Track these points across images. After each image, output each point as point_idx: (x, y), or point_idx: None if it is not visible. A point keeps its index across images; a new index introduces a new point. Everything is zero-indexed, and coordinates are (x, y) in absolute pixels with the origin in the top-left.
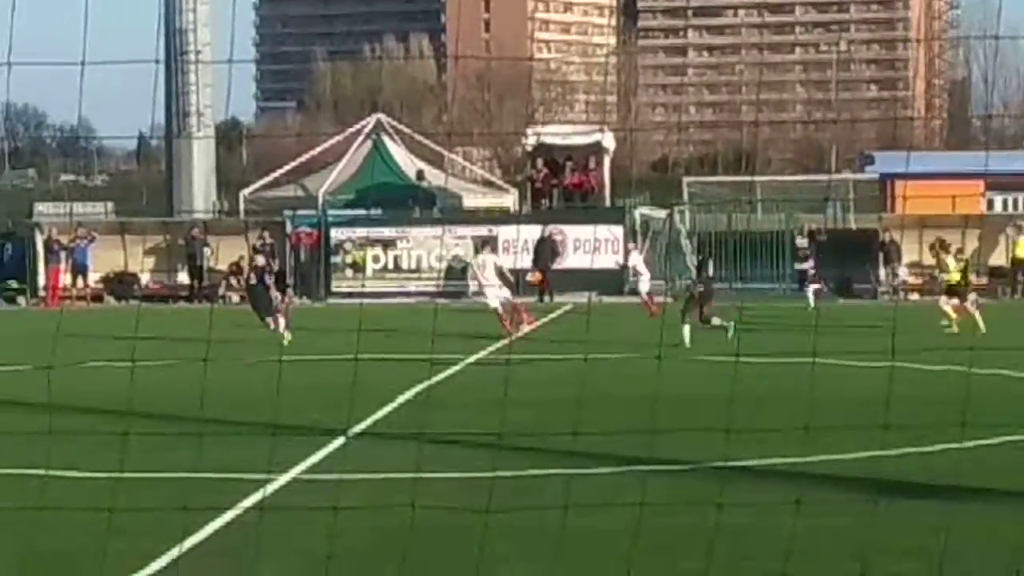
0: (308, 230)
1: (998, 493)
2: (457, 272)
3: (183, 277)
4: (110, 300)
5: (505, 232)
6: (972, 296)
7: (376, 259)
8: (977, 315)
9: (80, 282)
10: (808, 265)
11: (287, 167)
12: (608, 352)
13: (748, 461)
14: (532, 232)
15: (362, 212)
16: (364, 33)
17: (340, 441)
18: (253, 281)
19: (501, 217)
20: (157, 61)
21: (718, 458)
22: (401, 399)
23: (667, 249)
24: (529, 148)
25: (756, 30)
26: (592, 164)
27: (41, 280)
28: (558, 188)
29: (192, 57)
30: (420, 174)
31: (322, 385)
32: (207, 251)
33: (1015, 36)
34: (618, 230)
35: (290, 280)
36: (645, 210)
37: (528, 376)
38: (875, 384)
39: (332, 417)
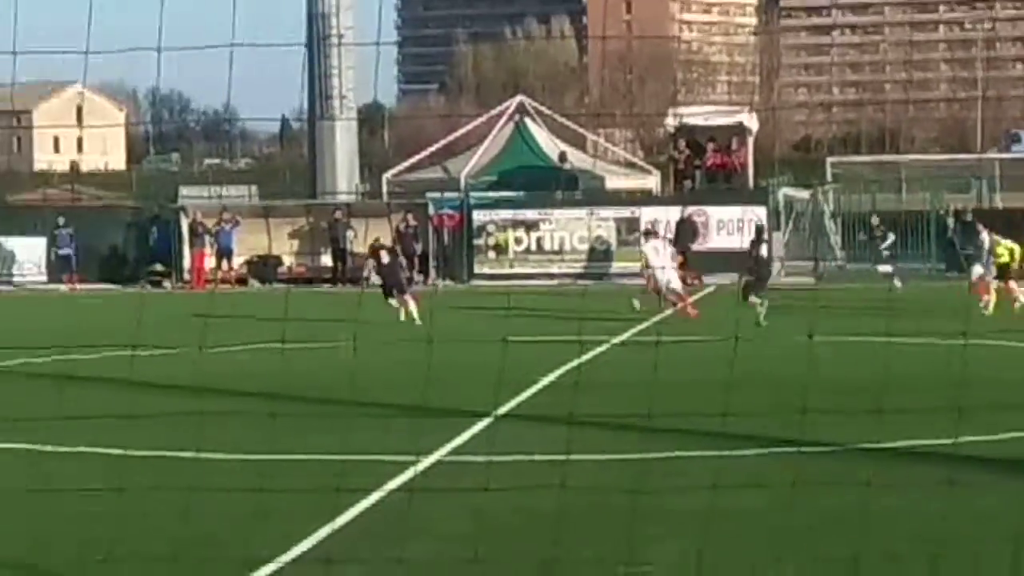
0: (450, 212)
1: None
2: (599, 254)
3: (326, 260)
4: (254, 283)
5: (648, 213)
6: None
7: (519, 241)
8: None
9: (225, 265)
10: (887, 244)
11: (429, 149)
12: (753, 333)
13: (897, 442)
14: (675, 213)
15: (505, 194)
16: (505, 15)
17: (486, 422)
18: (386, 259)
19: (643, 199)
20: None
21: (867, 439)
22: (546, 381)
23: (811, 230)
24: (671, 129)
25: (899, 8)
26: (734, 145)
27: (186, 263)
28: (700, 169)
29: (335, 40)
30: (562, 156)
31: (467, 367)
32: (350, 234)
33: None
34: (761, 211)
35: (433, 262)
36: (788, 190)
37: (675, 357)
38: None
39: (478, 399)
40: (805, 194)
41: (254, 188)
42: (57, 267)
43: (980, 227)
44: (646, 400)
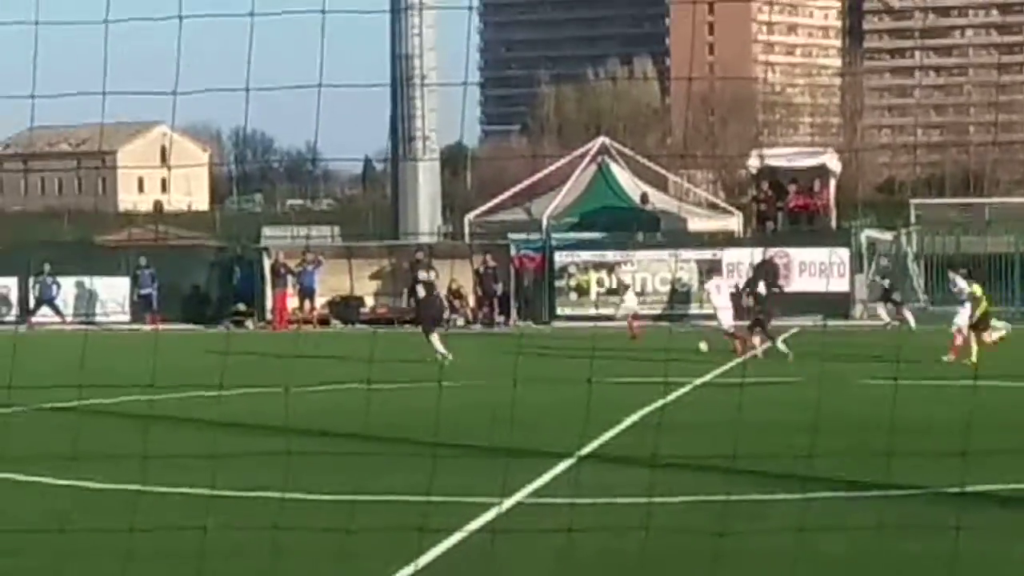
0: (531, 254)
1: None
2: (681, 296)
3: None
4: (336, 323)
5: (730, 255)
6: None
7: (600, 282)
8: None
9: (307, 305)
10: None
11: (511, 191)
12: (836, 375)
13: (983, 486)
14: (757, 255)
15: (586, 235)
16: (588, 57)
17: (568, 463)
18: (423, 294)
19: (725, 240)
20: (390, 84)
21: (951, 482)
22: (628, 421)
23: (894, 272)
24: (753, 171)
25: (984, 50)
26: (817, 186)
27: (268, 303)
28: (783, 211)
29: (418, 81)
30: (644, 197)
31: (550, 407)
32: (431, 275)
33: None
34: (844, 253)
35: (514, 304)
36: (871, 232)
37: (758, 398)
38: None
39: (560, 439)
40: (888, 236)
41: (336, 229)
42: (139, 307)
43: None
44: (728, 441)
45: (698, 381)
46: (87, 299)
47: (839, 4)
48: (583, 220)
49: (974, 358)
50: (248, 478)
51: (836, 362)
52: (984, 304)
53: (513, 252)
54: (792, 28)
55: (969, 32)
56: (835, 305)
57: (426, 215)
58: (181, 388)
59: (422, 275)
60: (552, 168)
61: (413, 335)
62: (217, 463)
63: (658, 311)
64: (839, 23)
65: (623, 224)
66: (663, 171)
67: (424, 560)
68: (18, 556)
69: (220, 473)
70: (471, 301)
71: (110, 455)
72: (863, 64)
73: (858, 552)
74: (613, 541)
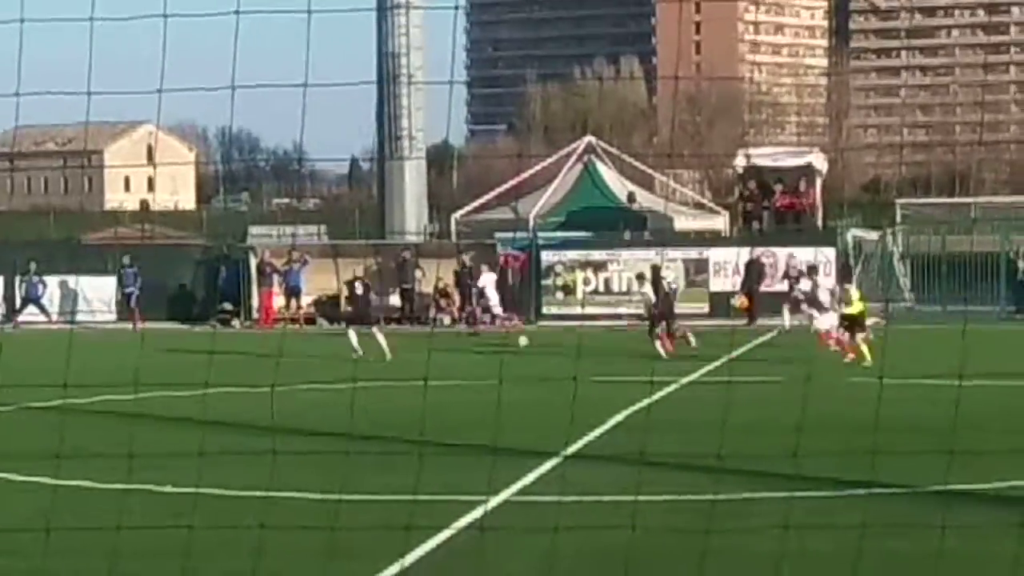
0: (516, 253)
1: None
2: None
3: (395, 300)
4: (322, 322)
5: (716, 255)
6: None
7: (587, 282)
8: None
9: (293, 304)
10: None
11: (498, 190)
12: (823, 374)
13: (969, 485)
14: (744, 254)
15: (573, 234)
16: (574, 56)
17: (555, 462)
18: (360, 291)
19: (712, 239)
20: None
21: (937, 481)
22: (614, 420)
23: (880, 271)
24: (740, 170)
25: (970, 50)
26: (803, 186)
27: (255, 302)
28: (769, 210)
29: (405, 80)
30: (631, 196)
31: (536, 406)
32: (418, 274)
33: None
34: (830, 252)
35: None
36: (857, 232)
37: (744, 397)
38: None
39: (546, 438)
40: (874, 235)
41: (323, 228)
42: (124, 305)
43: None
44: (715, 440)
45: (684, 380)
46: (73, 298)
47: (825, 4)
48: (570, 219)
49: (850, 356)
50: (234, 477)
51: (822, 362)
52: (861, 308)
53: (499, 251)
54: (779, 28)
55: (955, 32)
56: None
57: (413, 214)
58: (167, 387)
59: (359, 271)
60: (539, 167)
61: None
62: (203, 462)
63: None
64: (825, 23)
65: (610, 223)
66: (649, 170)
67: (411, 558)
68: (3, 555)
69: (206, 472)
70: (456, 300)
71: (96, 454)
72: (849, 64)
73: (843, 550)
74: (599, 539)
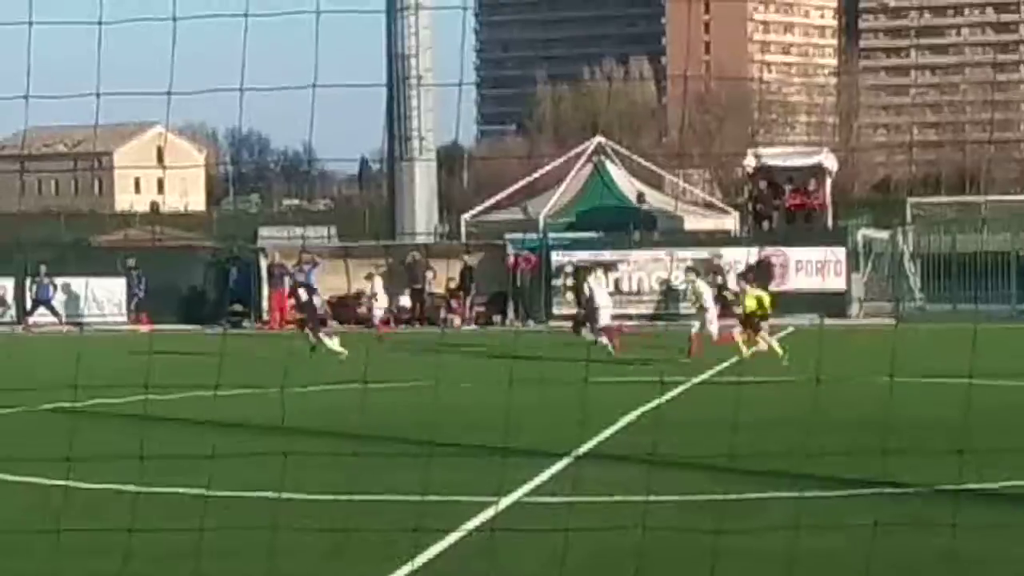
0: (527, 254)
1: None
2: (677, 294)
3: (405, 300)
4: (333, 324)
5: (726, 255)
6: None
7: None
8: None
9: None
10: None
11: (508, 190)
12: (833, 373)
13: (980, 484)
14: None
15: (583, 235)
16: (584, 56)
17: (565, 462)
18: (304, 297)
19: (722, 239)
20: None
21: (949, 480)
22: (625, 420)
23: (890, 271)
24: (750, 170)
25: (980, 49)
26: (813, 185)
27: (265, 304)
28: (779, 210)
29: (414, 82)
30: (640, 196)
31: (546, 407)
32: (429, 275)
33: None
34: (840, 251)
35: (510, 304)
36: (867, 231)
37: (754, 396)
38: None
39: (556, 439)
40: (884, 235)
41: (333, 229)
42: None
43: None
44: (726, 440)
45: (695, 380)
46: (84, 300)
47: (835, 3)
48: (580, 219)
49: (746, 351)
50: (245, 478)
51: (832, 361)
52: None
53: (510, 251)
54: (788, 27)
55: (965, 31)
56: (831, 304)
57: (423, 215)
58: (177, 389)
59: (299, 276)
60: (548, 168)
61: (410, 335)
62: (213, 463)
63: (654, 311)
64: (835, 22)
65: (619, 223)
66: (659, 170)
67: (421, 560)
68: (15, 557)
69: (216, 473)
70: (467, 302)
71: (106, 456)
72: (859, 63)
73: (855, 550)
74: (610, 540)
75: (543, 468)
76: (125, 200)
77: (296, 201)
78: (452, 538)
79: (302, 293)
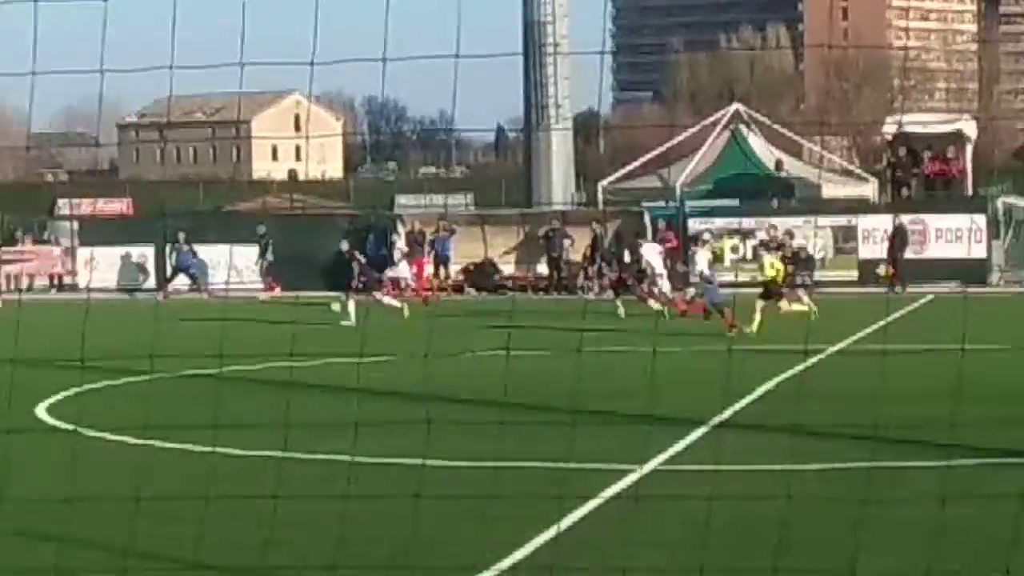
0: (670, 237)
1: None
2: (815, 262)
3: (542, 268)
4: (470, 291)
5: (865, 222)
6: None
7: (735, 249)
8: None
9: (442, 273)
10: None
11: (644, 158)
12: (975, 342)
13: None
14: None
15: (720, 202)
16: (720, 23)
17: (703, 430)
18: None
19: (860, 207)
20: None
21: None
22: (763, 389)
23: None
24: (888, 137)
25: None
26: (952, 152)
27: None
28: (918, 177)
29: (551, 49)
30: (779, 164)
31: (685, 374)
32: (566, 242)
33: None
34: (980, 219)
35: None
36: (1008, 198)
37: (895, 366)
38: None
39: (695, 406)
40: None
41: (469, 197)
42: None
43: None
44: (867, 408)
45: (832, 348)
46: (222, 267)
47: None
48: (717, 187)
49: (754, 327)
50: (388, 445)
51: (975, 330)
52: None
53: (647, 219)
54: None
55: None
56: (972, 271)
57: (559, 183)
58: (322, 356)
59: (344, 245)
60: (685, 135)
61: (548, 302)
62: (358, 430)
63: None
64: None
65: (757, 191)
66: (797, 138)
67: (562, 526)
68: (161, 522)
69: (361, 440)
70: (605, 269)
71: (249, 423)
72: (999, 28)
73: (1001, 520)
74: (751, 509)
75: (682, 436)
76: (263, 168)
77: (433, 169)
78: (592, 505)
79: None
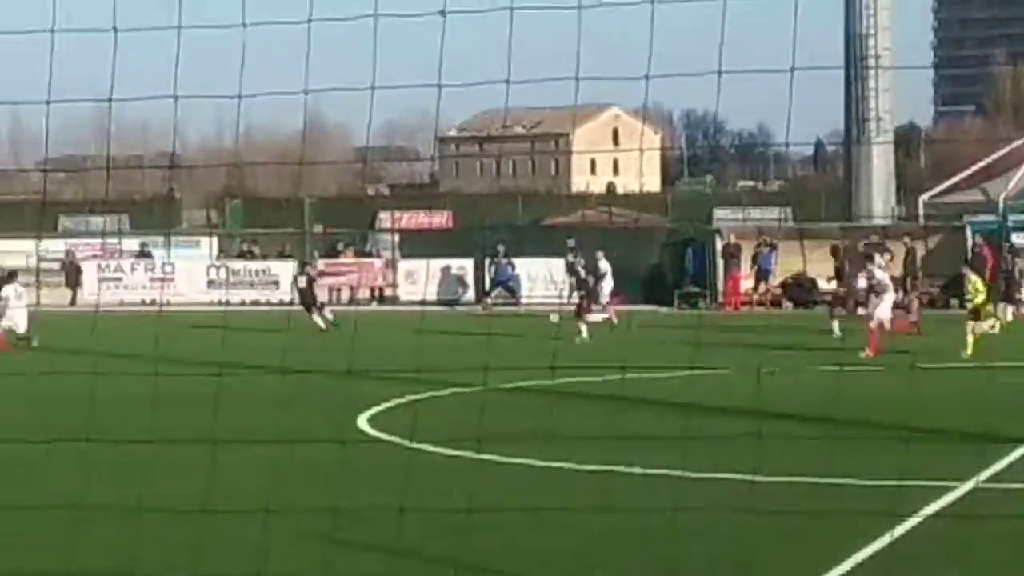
0: (988, 256)
1: None
2: None
3: (861, 283)
4: (787, 305)
5: None
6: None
7: None
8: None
9: (762, 287)
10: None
11: (967, 172)
12: None
13: None
14: None
15: None
16: None
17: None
18: (303, 285)
19: None
20: (844, 67)
21: None
22: None
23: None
24: None
25: None
26: None
27: (720, 285)
28: None
29: (872, 62)
30: None
31: (1015, 391)
32: (885, 257)
33: None
34: None
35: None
36: None
37: None
38: None
39: (1013, 426)
40: None
41: (787, 210)
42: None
43: None
44: None
45: None
46: (540, 280)
47: None
48: None
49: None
50: (715, 459)
51: None
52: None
53: (969, 233)
54: None
55: None
56: None
57: (880, 196)
58: (648, 369)
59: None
60: (1008, 149)
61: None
62: (688, 443)
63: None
64: None
65: None
66: None
67: (877, 545)
68: (488, 532)
69: (690, 454)
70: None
71: (577, 436)
72: None
73: None
74: None
75: (1000, 455)
76: (581, 181)
77: (750, 182)
78: (909, 524)
79: (301, 280)
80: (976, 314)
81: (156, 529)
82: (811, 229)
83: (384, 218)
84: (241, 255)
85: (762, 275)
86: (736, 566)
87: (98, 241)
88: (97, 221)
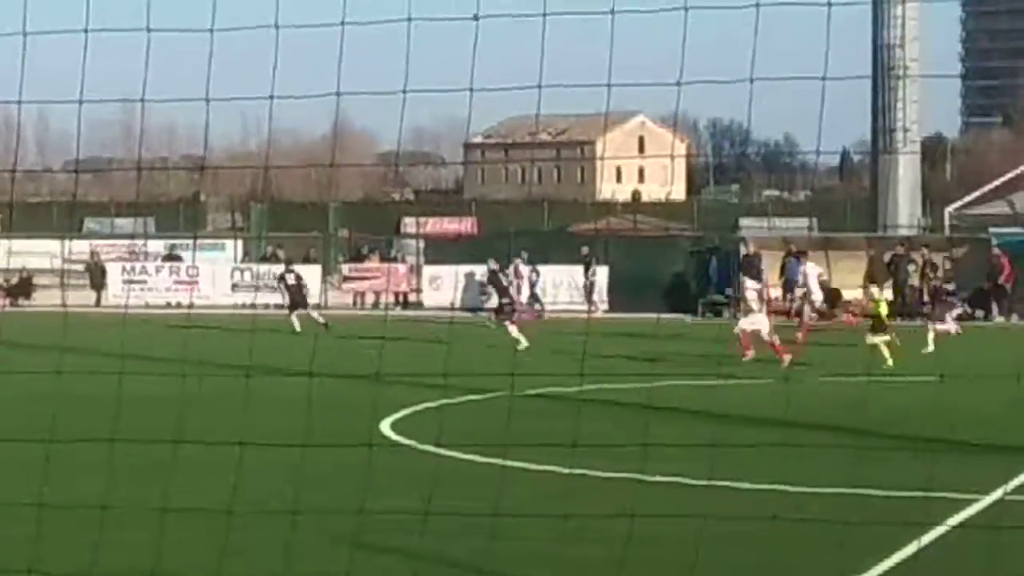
0: (1005, 264)
1: None
2: None
3: (887, 294)
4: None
5: None
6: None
7: None
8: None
9: (788, 297)
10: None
11: (993, 184)
12: None
13: None
14: None
15: None
16: None
17: None
18: (292, 281)
19: None
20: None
21: None
22: None
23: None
24: None
25: None
26: None
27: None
28: None
29: (899, 73)
30: None
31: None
32: (911, 268)
33: None
34: None
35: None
36: None
37: None
38: None
39: None
40: None
41: (813, 220)
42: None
43: None
44: None
45: None
46: (564, 287)
47: None
48: None
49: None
50: (741, 469)
51: None
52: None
53: (994, 244)
54: None
55: None
56: None
57: (905, 207)
58: (675, 376)
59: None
60: None
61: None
62: (715, 452)
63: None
64: None
65: None
66: None
67: (902, 555)
68: (519, 540)
69: (721, 463)
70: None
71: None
72: None
73: None
74: None
75: None
76: (607, 189)
77: (776, 192)
78: (933, 535)
79: (290, 277)
80: (880, 327)
81: (181, 531)
82: (836, 239)
83: (409, 223)
84: (265, 259)
85: (790, 285)
86: (761, 573)
87: (123, 242)
88: (122, 223)
